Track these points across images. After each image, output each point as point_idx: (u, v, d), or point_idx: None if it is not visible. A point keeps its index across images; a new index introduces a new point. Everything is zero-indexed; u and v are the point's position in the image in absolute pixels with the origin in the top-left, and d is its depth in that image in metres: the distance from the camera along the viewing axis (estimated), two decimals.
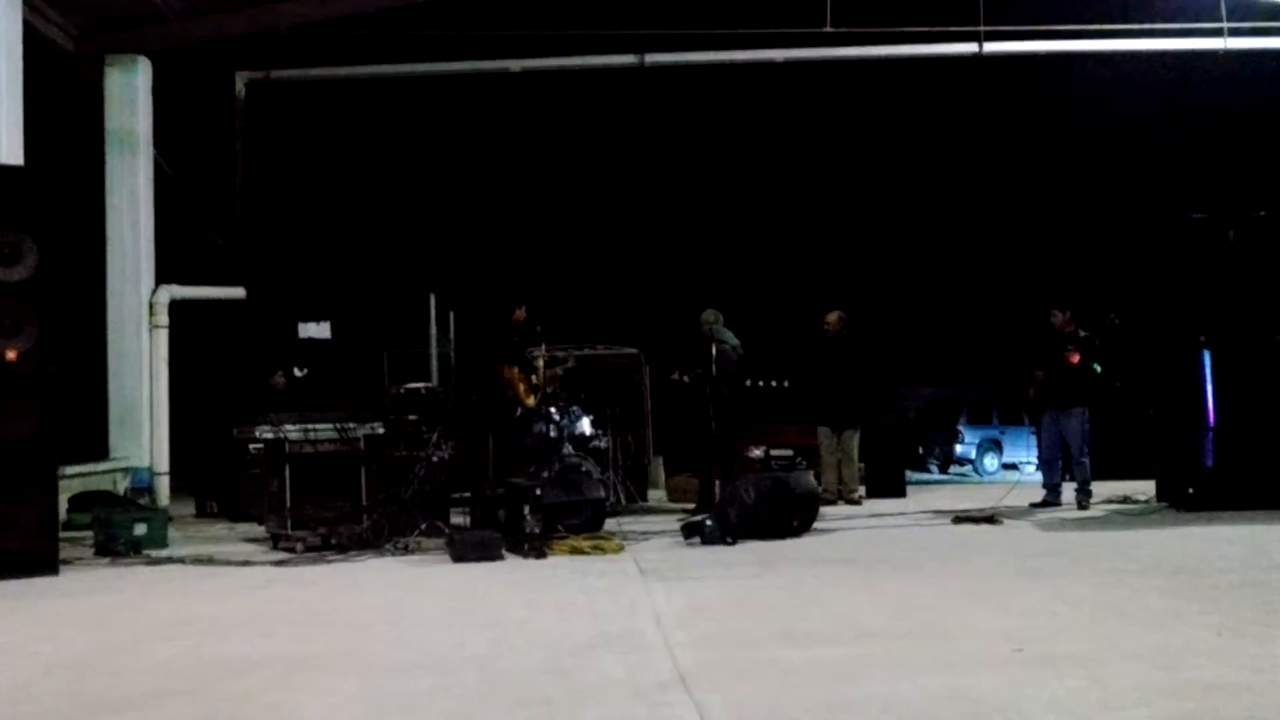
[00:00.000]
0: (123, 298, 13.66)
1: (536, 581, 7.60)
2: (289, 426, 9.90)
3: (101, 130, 13.78)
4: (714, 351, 12.36)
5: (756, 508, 9.61)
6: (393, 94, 18.53)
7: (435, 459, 10.39)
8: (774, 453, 12.18)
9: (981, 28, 14.77)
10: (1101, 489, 12.51)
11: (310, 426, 9.97)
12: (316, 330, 14.78)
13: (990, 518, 10.77)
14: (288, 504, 9.78)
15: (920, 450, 26.75)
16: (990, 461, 26.88)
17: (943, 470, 27.00)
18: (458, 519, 10.66)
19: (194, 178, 15.93)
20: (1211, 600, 6.41)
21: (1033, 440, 23.09)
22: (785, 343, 14.31)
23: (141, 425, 13.52)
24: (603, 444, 13.06)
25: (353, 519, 9.59)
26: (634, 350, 16.58)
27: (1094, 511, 11.66)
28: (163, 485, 13.51)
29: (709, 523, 9.42)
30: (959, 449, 26.84)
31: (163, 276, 13.98)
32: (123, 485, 13.01)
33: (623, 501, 13.09)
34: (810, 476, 10.46)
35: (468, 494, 10.93)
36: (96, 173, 13.81)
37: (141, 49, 13.92)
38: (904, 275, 29.05)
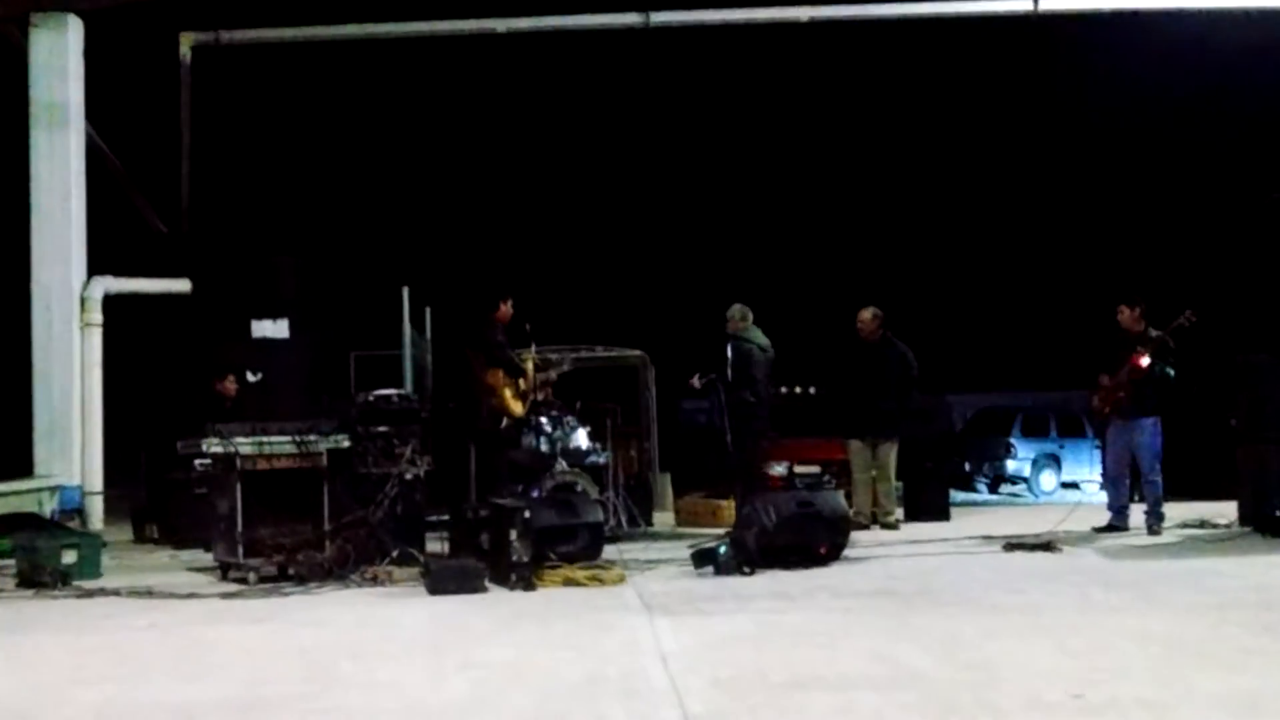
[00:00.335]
0: (50, 291, 13.65)
1: (525, 617, 7.59)
2: (240, 439, 9.87)
3: (26, 100, 13.78)
4: (729, 353, 12.37)
5: (778, 532, 9.58)
6: (361, 59, 18.57)
7: (409, 476, 10.38)
8: (798, 469, 12.24)
9: None
10: (1175, 511, 12.47)
11: (265, 439, 9.94)
12: (272, 329, 14.78)
13: (1047, 544, 10.73)
14: (239, 528, 9.74)
15: (967, 467, 26.72)
16: (1047, 480, 26.85)
17: (992, 490, 26.97)
18: (434, 545, 10.64)
19: (133, 155, 15.95)
20: None
21: (1096, 455, 23.09)
22: (812, 344, 14.30)
23: (71, 438, 13.51)
24: (601, 459, 13.08)
25: (314, 545, 9.57)
26: (637, 352, 16.60)
27: (1166, 537, 11.63)
28: (96, 506, 13.49)
29: (723, 549, 9.40)
30: (1011, 465, 26.81)
31: (96, 267, 13.97)
32: (50, 506, 12.96)
33: (624, 525, 13.08)
34: (840, 497, 10.45)
35: (446, 516, 10.92)
36: (20, 148, 13.80)
37: (72, 7, 13.91)
38: (948, 266, 29.05)
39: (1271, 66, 17.05)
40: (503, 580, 8.80)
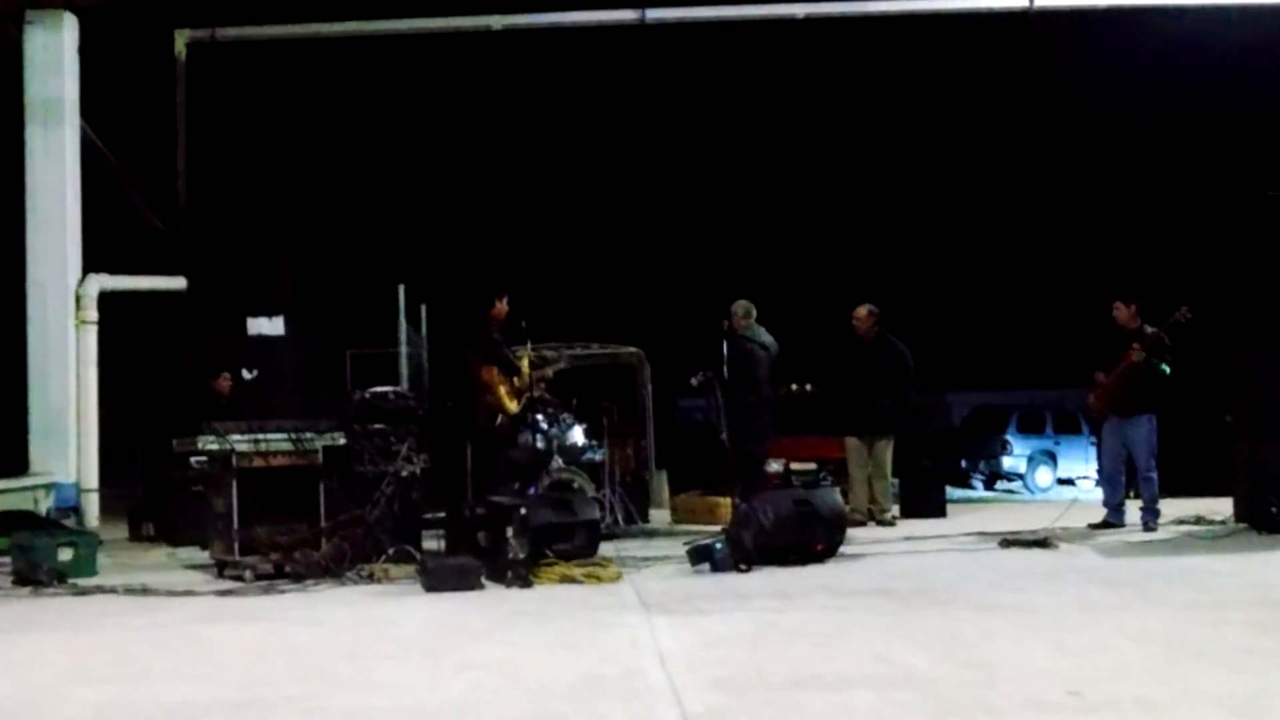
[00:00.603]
0: (46, 289, 13.63)
1: (522, 615, 7.57)
2: (237, 437, 9.86)
3: (21, 97, 13.76)
4: (726, 351, 12.36)
5: (775, 530, 9.57)
6: (357, 56, 18.53)
7: (405, 474, 10.38)
8: (795, 467, 12.23)
9: None
10: (1171, 508, 12.48)
11: (261, 437, 9.93)
12: (268, 326, 14.77)
13: (1043, 541, 10.73)
14: (235, 526, 9.74)
15: (963, 464, 26.75)
16: (1043, 477, 26.88)
17: (988, 487, 27.01)
18: (431, 543, 10.63)
19: (128, 152, 15.92)
20: None
21: (1092, 452, 23.08)
22: (809, 341, 14.29)
23: (67, 436, 13.50)
24: (598, 456, 13.07)
25: (310, 543, 9.56)
26: (634, 349, 16.60)
27: (1162, 534, 11.63)
28: (92, 504, 13.49)
29: (720, 547, 9.39)
30: (1007, 462, 26.85)
31: (91, 265, 13.96)
32: (45, 505, 12.97)
33: (620, 523, 13.07)
34: (836, 494, 10.43)
35: (442, 514, 10.91)
36: (15, 146, 13.78)
37: (67, 4, 13.89)
38: (944, 263, 29.04)
39: (1267, 63, 17.07)
40: (500, 578, 8.79)
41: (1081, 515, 12.36)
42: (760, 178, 26.55)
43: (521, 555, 9.06)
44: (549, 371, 12.72)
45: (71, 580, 9.42)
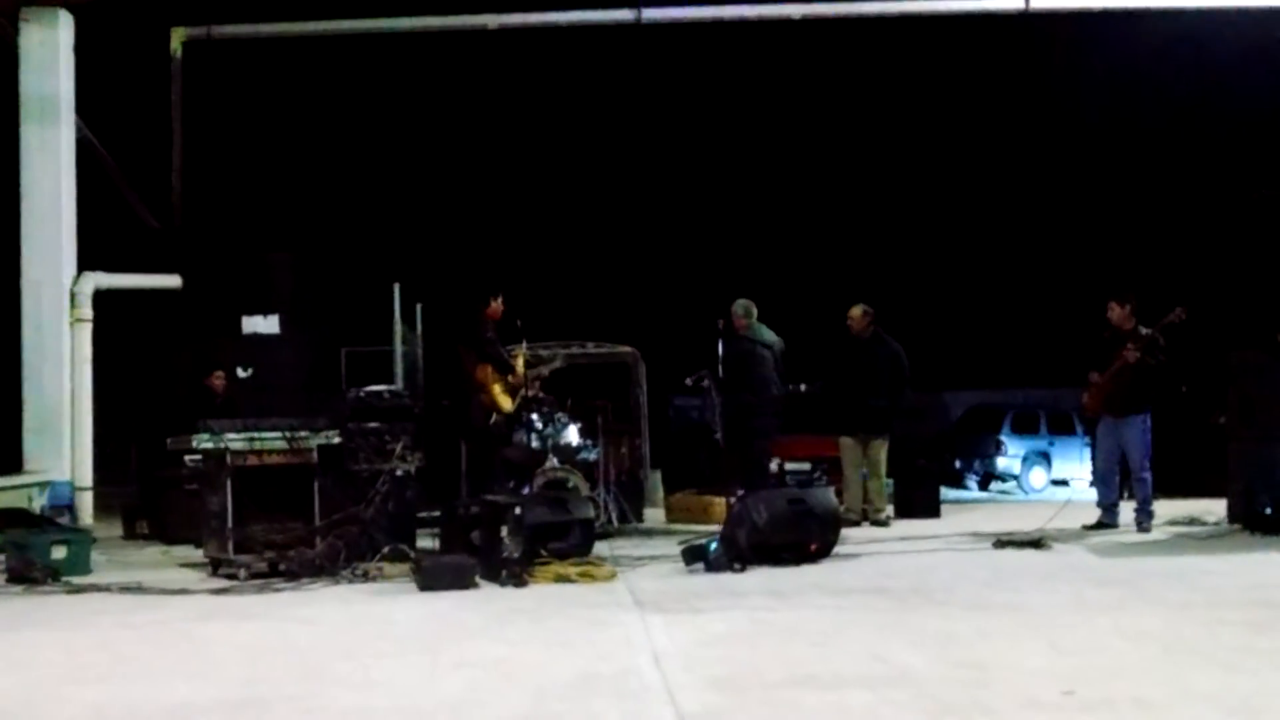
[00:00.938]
0: (40, 287, 13.62)
1: (517, 614, 7.57)
2: (231, 435, 9.85)
3: (16, 94, 13.74)
4: (721, 351, 12.37)
5: (769, 530, 9.58)
6: (353, 54, 18.53)
7: (400, 473, 10.37)
8: (789, 466, 12.23)
9: None
10: (1165, 509, 12.51)
11: (256, 435, 9.92)
12: (263, 324, 14.76)
13: (1037, 541, 10.76)
14: (230, 524, 9.73)
15: (957, 464, 26.76)
16: (1037, 477, 26.90)
17: (983, 487, 27.02)
18: (426, 542, 10.63)
19: (124, 150, 15.91)
20: None
21: (1086, 453, 23.13)
22: (803, 340, 14.29)
23: (61, 434, 13.48)
24: (592, 456, 13.07)
25: (305, 542, 9.56)
26: (629, 348, 16.59)
27: (1156, 534, 11.66)
28: (86, 502, 13.47)
29: (715, 546, 9.40)
30: (1001, 463, 26.86)
31: (86, 263, 13.94)
32: (39, 502, 12.95)
33: (615, 522, 13.08)
34: (831, 494, 10.44)
35: (437, 513, 10.91)
36: (11, 143, 13.76)
37: (63, 1, 13.87)
38: (939, 263, 29.05)
39: (1261, 64, 17.10)
40: (494, 577, 8.79)
41: (1076, 516, 12.37)
42: (756, 177, 26.55)
43: (516, 554, 9.08)
44: (544, 370, 12.72)
45: (65, 578, 9.40)
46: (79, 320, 13.71)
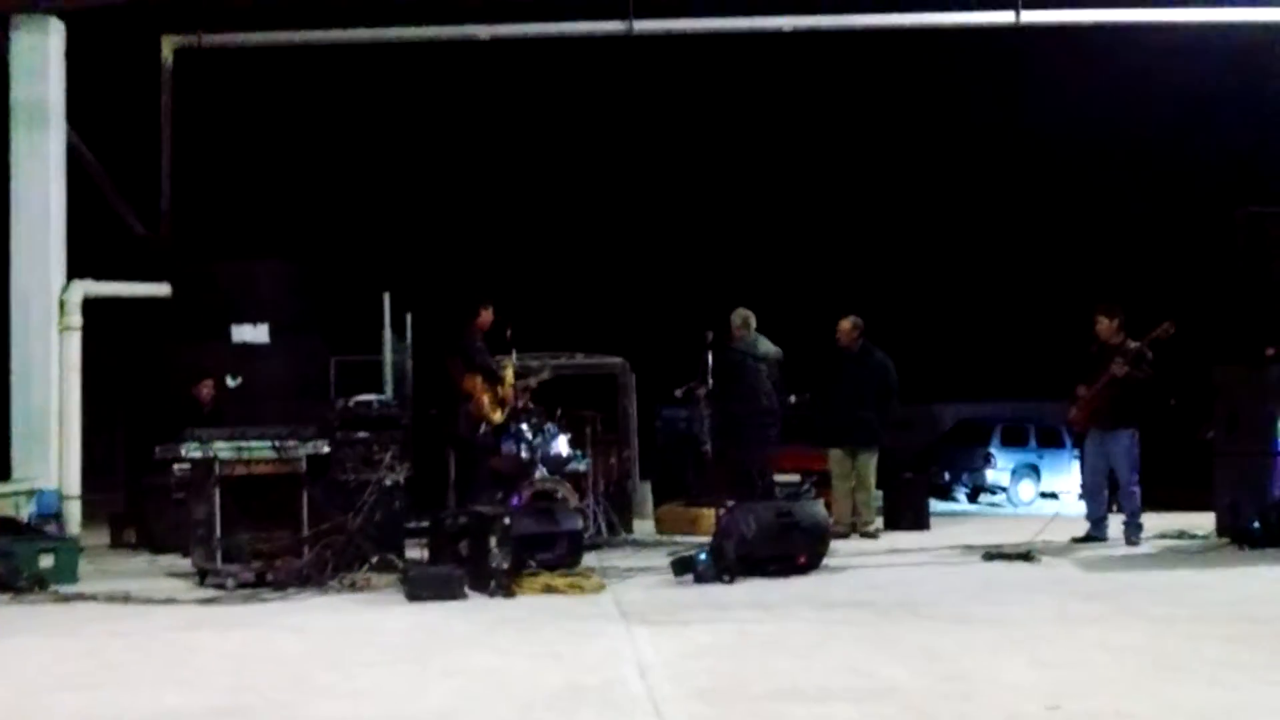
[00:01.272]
0: (29, 295, 13.57)
1: (504, 624, 7.60)
2: (219, 444, 9.87)
3: (6, 101, 13.74)
4: (711, 361, 12.40)
5: (757, 542, 9.61)
6: (344, 64, 18.55)
7: (388, 483, 10.38)
8: (778, 478, 12.25)
9: None
10: (1153, 522, 12.54)
11: (244, 445, 9.94)
12: (252, 333, 14.76)
13: (1026, 555, 10.78)
14: (217, 534, 9.75)
15: (946, 477, 26.78)
16: (1026, 490, 26.93)
17: (972, 500, 27.05)
18: (414, 552, 10.64)
19: (113, 158, 15.90)
20: (1276, 652, 6.44)
21: (1075, 466, 23.17)
22: (792, 352, 14.33)
23: (49, 442, 13.44)
24: (581, 466, 13.09)
25: (292, 551, 9.57)
26: (618, 360, 16.62)
27: (1145, 548, 11.69)
28: (73, 511, 13.42)
29: (703, 558, 9.42)
30: (990, 475, 26.88)
31: (75, 270, 13.92)
32: (26, 511, 12.92)
33: (604, 533, 13.09)
34: (819, 506, 10.46)
35: (425, 523, 10.92)
36: (0, 150, 13.75)
37: (54, 8, 13.87)
38: (928, 276, 29.12)
39: (1249, 80, 17.18)
40: (482, 587, 8.81)
41: (1064, 529, 12.40)
42: (745, 189, 26.60)
43: (504, 565, 9.10)
44: (532, 381, 12.74)
45: (53, 587, 9.39)
46: (67, 328, 13.67)
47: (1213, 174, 22.01)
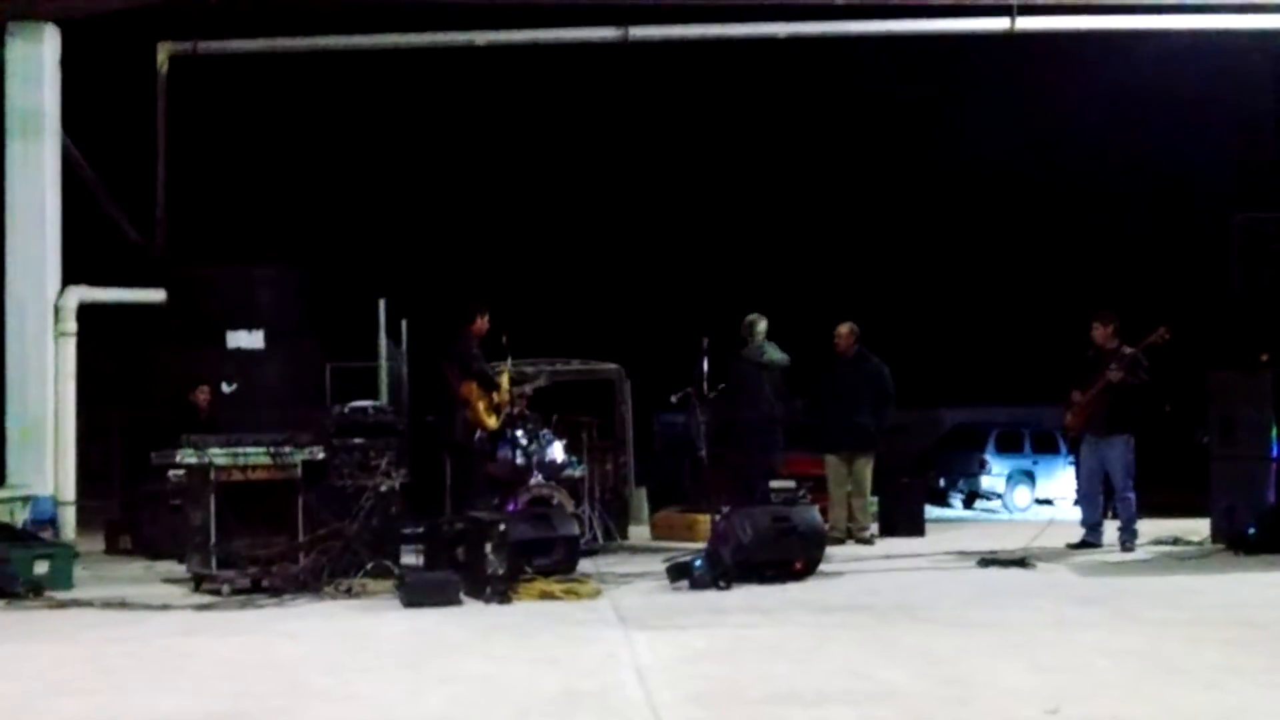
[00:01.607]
0: (24, 301, 13.59)
1: (501, 630, 7.59)
2: (215, 450, 9.84)
3: (1, 108, 13.73)
4: (705, 367, 12.39)
5: (754, 547, 9.60)
6: (339, 71, 18.54)
7: (384, 489, 10.36)
8: (774, 484, 12.23)
9: (1015, 0, 14.88)
10: (1148, 528, 12.53)
11: (240, 450, 9.91)
12: (248, 339, 14.76)
13: (1021, 560, 10.79)
14: (213, 539, 9.72)
15: (941, 483, 26.77)
16: (1021, 496, 26.92)
17: (967, 506, 27.01)
18: (410, 558, 10.63)
19: (109, 165, 15.90)
20: (1274, 655, 6.43)
21: (1070, 472, 23.17)
22: (789, 358, 14.35)
23: (45, 448, 13.44)
24: (577, 473, 13.07)
25: (288, 557, 9.54)
26: (614, 365, 16.60)
27: (1140, 554, 11.68)
28: (69, 517, 13.44)
29: (699, 564, 9.41)
30: (985, 481, 26.86)
31: (71, 277, 13.92)
32: (22, 517, 12.92)
33: (600, 539, 13.06)
34: (815, 511, 10.45)
35: (421, 529, 10.91)
36: None
37: (49, 15, 13.86)
38: (924, 282, 29.13)
39: (1244, 86, 17.21)
40: (478, 593, 8.80)
41: (1059, 535, 12.39)
42: (741, 195, 26.61)
43: (500, 570, 9.09)
44: (528, 388, 12.72)
45: (48, 593, 9.37)
46: (63, 334, 13.68)
47: (1208, 180, 22.04)
